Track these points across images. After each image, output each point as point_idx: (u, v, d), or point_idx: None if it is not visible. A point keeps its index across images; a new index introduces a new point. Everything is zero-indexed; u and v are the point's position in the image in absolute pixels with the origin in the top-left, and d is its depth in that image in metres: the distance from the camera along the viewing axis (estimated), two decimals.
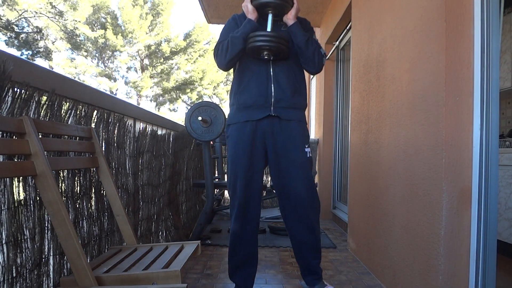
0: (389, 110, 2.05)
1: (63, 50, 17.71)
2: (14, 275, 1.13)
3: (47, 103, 1.34)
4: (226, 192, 4.51)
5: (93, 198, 1.65)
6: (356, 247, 2.65)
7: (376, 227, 2.21)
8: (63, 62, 17.41)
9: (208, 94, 20.66)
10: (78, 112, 1.55)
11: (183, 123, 3.06)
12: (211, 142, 3.57)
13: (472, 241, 1.43)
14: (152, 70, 19.37)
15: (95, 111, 1.70)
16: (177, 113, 20.60)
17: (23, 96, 1.21)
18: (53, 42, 17.14)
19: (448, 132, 1.46)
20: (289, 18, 1.76)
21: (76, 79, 7.84)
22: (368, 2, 2.50)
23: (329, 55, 4.20)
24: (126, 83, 19.56)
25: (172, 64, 19.64)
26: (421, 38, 1.68)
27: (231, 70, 1.92)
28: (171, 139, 2.82)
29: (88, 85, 2.33)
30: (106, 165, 1.60)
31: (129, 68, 19.70)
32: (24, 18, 16.03)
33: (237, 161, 1.77)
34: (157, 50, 19.08)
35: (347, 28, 3.60)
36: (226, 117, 2.75)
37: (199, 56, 19.68)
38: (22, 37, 16.23)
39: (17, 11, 15.49)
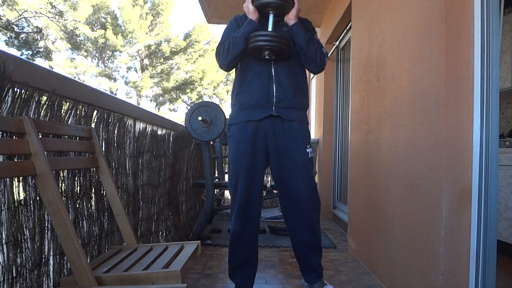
0: (389, 110, 2.05)
1: (63, 50, 17.72)
2: (14, 275, 1.13)
3: (47, 103, 1.34)
4: (226, 192, 4.51)
5: (93, 198, 1.65)
6: (356, 247, 2.65)
7: (376, 227, 2.21)
8: (63, 62, 17.42)
9: (208, 94, 20.66)
10: (78, 112, 1.55)
11: (183, 123, 3.06)
12: (211, 142, 3.57)
13: (472, 241, 1.43)
14: (152, 70, 19.37)
15: (95, 111, 1.70)
16: (177, 113, 20.62)
17: (23, 96, 1.21)
18: (53, 42, 17.15)
19: (448, 132, 1.46)
20: (290, 18, 1.77)
21: (76, 79, 7.85)
22: (368, 2, 2.50)
23: (329, 55, 4.20)
24: (126, 83, 19.57)
25: (172, 64, 19.64)
26: (421, 38, 1.68)
27: (232, 70, 1.92)
28: (171, 139, 2.82)
29: (88, 85, 2.33)
30: (106, 165, 1.60)
31: (129, 68, 19.71)
32: (24, 18, 16.03)
33: (239, 161, 1.78)
34: (157, 50, 19.08)
35: (347, 28, 3.60)
36: (226, 117, 2.76)
37: (199, 56, 19.68)
38: (22, 37, 16.23)
39: (17, 11, 15.50)
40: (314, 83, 5.12)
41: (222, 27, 1.92)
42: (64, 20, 16.63)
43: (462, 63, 1.46)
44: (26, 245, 1.19)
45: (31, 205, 1.23)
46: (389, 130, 2.05)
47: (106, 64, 19.09)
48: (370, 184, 2.35)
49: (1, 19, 15.16)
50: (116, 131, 1.89)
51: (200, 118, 2.64)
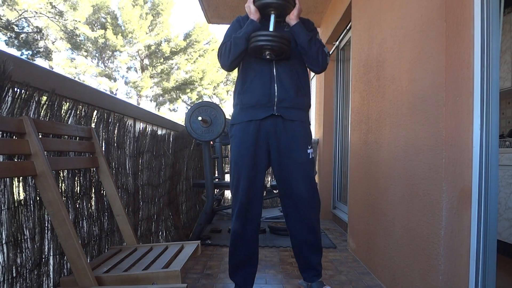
0: (389, 110, 2.05)
1: (63, 50, 17.72)
2: (14, 275, 1.13)
3: (47, 103, 1.34)
4: (226, 192, 4.51)
5: (93, 198, 1.65)
6: (356, 247, 2.65)
7: (376, 227, 2.21)
8: (63, 62, 17.41)
9: (208, 94, 20.65)
10: (78, 112, 1.55)
11: (183, 123, 3.06)
12: (211, 142, 3.57)
13: (472, 241, 1.43)
14: (152, 70, 19.37)
15: (95, 111, 1.70)
16: (177, 113, 20.61)
17: (23, 96, 1.21)
18: (53, 42, 17.15)
19: (448, 132, 1.46)
20: (292, 19, 1.77)
21: (76, 79, 7.84)
22: (368, 2, 2.50)
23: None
24: (126, 83, 19.57)
25: (172, 64, 19.64)
26: (421, 38, 1.68)
27: (233, 70, 1.92)
28: (171, 139, 2.82)
29: (88, 85, 2.33)
30: (106, 165, 1.60)
31: (129, 68, 19.70)
32: (24, 18, 16.03)
33: (241, 160, 1.78)
34: (157, 50, 19.08)
35: (347, 28, 3.60)
36: (226, 117, 2.76)
37: (199, 56, 19.67)
38: (22, 37, 16.23)
39: (17, 11, 15.49)
40: (314, 83, 5.12)
41: (222, 27, 1.93)
42: (64, 20, 16.63)
43: (462, 63, 1.46)
44: (26, 245, 1.19)
45: (31, 205, 1.23)
46: (389, 130, 2.05)
47: (106, 64, 19.09)
48: (370, 184, 2.35)
49: (1, 19, 15.16)
50: (116, 131, 1.89)
51: (200, 118, 2.64)
